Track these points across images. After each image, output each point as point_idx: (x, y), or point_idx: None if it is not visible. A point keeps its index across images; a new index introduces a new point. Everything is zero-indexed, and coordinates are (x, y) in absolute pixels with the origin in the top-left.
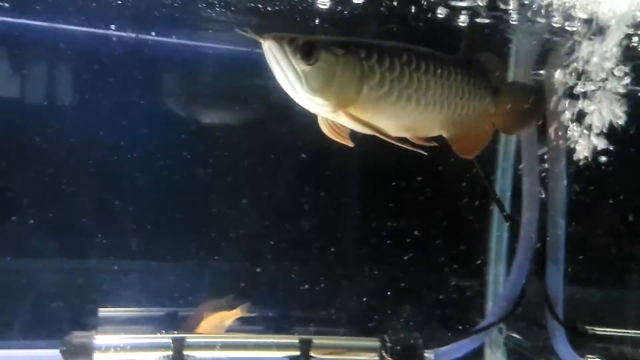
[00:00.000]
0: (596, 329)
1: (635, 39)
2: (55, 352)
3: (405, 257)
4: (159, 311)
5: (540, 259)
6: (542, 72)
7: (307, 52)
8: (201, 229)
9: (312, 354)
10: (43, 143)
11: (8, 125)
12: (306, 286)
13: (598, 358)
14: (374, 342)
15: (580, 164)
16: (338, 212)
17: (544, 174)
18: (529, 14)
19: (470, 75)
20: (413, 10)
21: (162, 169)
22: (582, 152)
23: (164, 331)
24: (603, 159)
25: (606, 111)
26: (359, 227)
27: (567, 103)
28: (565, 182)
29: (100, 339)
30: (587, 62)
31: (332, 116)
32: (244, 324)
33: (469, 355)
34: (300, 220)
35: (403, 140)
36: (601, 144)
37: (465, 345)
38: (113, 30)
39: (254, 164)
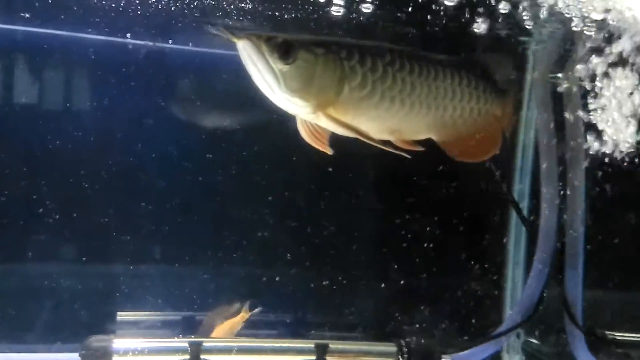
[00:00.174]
0: (616, 334)
1: None
2: (75, 356)
3: (422, 261)
4: (176, 315)
5: (559, 264)
6: (559, 75)
7: (285, 51)
8: (219, 233)
9: (327, 358)
10: (64, 148)
11: (29, 131)
12: (322, 290)
13: None
14: (391, 347)
15: (599, 166)
16: (354, 215)
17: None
18: (544, 17)
19: (463, 76)
20: (429, 17)
21: (183, 174)
22: (601, 154)
23: (180, 335)
24: (621, 161)
25: (624, 113)
26: (376, 231)
27: (585, 105)
28: (584, 185)
29: (118, 342)
30: (604, 64)
31: (312, 118)
32: (260, 329)
33: None
34: (317, 223)
35: (387, 143)
36: (620, 146)
37: (483, 350)
38: (130, 38)
39: (272, 168)
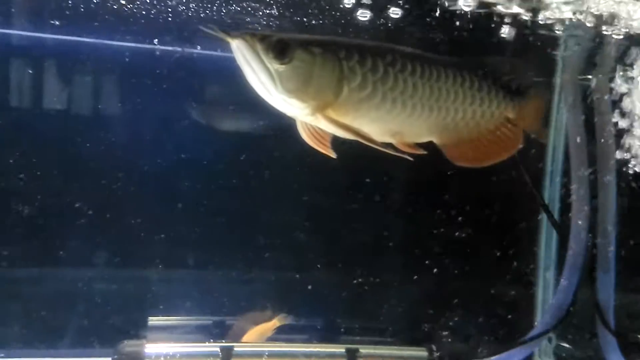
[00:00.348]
0: None
1: None
2: None
3: (453, 265)
4: (207, 320)
5: (591, 267)
6: (589, 76)
7: (280, 51)
8: (249, 237)
9: None
10: (96, 153)
11: (58, 136)
12: (352, 295)
13: None
14: (422, 352)
15: (630, 169)
16: (385, 219)
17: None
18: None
19: (466, 77)
20: (457, 23)
21: (215, 179)
22: (632, 158)
23: (212, 340)
24: None
25: None
26: (406, 235)
27: (616, 108)
28: (615, 188)
29: (150, 347)
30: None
31: (311, 119)
32: (290, 333)
33: None
34: (348, 227)
35: (388, 146)
36: None
37: (515, 354)
38: (158, 44)
39: (305, 171)
